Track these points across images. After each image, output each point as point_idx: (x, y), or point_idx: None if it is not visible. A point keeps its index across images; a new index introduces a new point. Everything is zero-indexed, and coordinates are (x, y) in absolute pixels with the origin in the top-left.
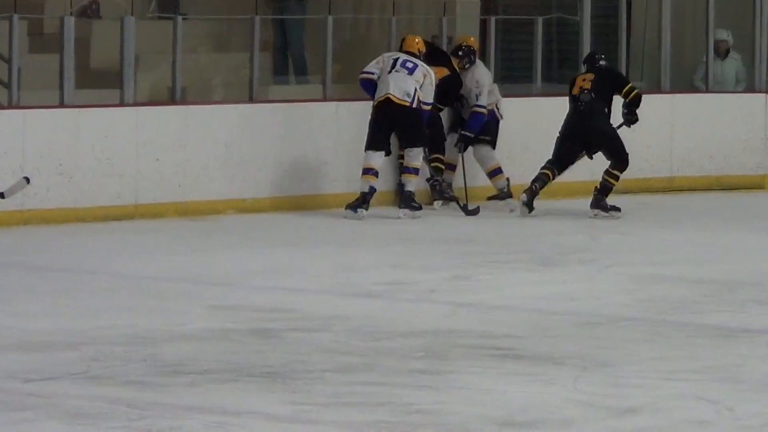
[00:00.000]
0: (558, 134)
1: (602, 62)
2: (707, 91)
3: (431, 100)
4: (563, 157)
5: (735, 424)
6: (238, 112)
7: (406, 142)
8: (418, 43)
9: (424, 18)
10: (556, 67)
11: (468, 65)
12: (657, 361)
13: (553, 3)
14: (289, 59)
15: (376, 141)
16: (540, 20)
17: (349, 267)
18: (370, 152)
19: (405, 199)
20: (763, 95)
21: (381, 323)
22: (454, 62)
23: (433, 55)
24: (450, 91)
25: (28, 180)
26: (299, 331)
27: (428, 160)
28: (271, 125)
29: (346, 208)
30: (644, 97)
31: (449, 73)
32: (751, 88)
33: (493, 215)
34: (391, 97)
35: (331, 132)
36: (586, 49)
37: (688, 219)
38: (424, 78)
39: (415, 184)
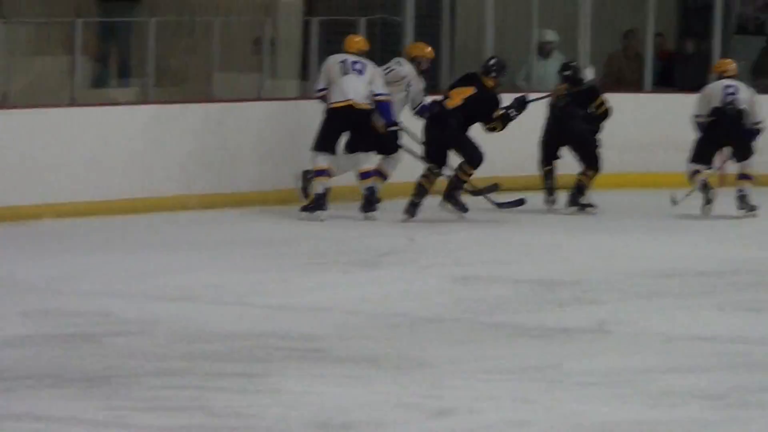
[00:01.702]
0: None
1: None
2: (530, 90)
3: (385, 90)
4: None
5: (552, 424)
6: (58, 116)
7: (367, 146)
8: (358, 42)
9: (246, 20)
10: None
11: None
12: (475, 361)
13: (376, 3)
14: (111, 62)
15: (327, 143)
16: (363, 21)
17: (167, 270)
18: (319, 154)
19: (367, 203)
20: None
21: (199, 327)
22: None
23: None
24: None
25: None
26: (117, 336)
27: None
28: (90, 128)
29: (301, 210)
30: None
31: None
32: None
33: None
34: (353, 103)
35: (153, 135)
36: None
37: (507, 219)
38: (373, 74)
39: (378, 186)
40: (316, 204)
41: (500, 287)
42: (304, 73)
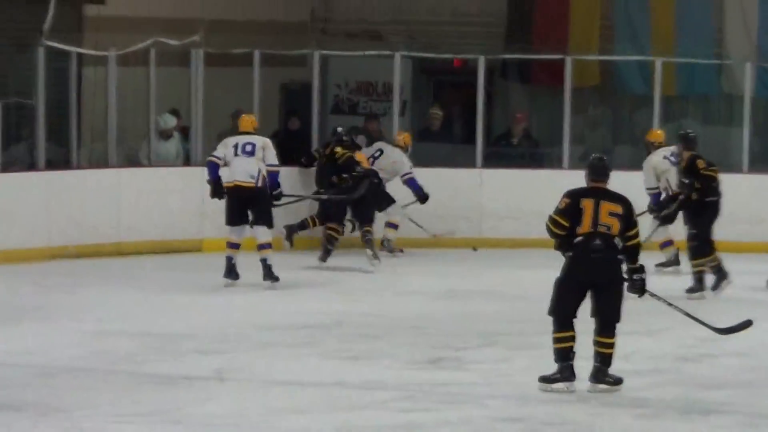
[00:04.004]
0: None
1: None
2: (150, 165)
3: (275, 161)
4: None
5: None
6: None
7: (256, 220)
8: (251, 121)
9: None
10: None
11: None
12: (108, 405)
13: (11, 88)
14: None
15: (233, 218)
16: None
17: None
18: (229, 228)
19: (267, 272)
20: (199, 168)
21: None
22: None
23: None
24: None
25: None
26: None
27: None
28: None
29: (224, 277)
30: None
31: None
32: (188, 163)
33: None
34: (238, 183)
35: None
36: (40, 133)
37: (133, 279)
38: (263, 150)
39: (270, 256)
40: (229, 270)
41: (128, 340)
42: None
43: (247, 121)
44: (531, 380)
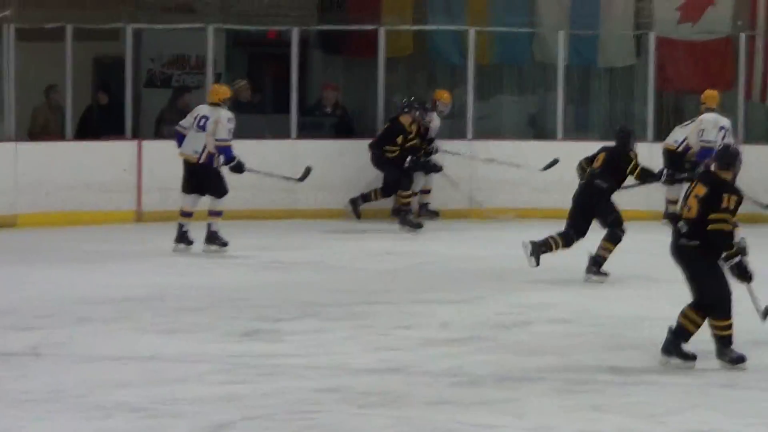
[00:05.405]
0: None
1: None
2: None
3: (224, 136)
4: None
5: None
6: None
7: (204, 191)
8: (221, 92)
9: None
10: None
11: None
12: None
13: None
14: None
15: (184, 187)
16: None
17: None
18: (183, 195)
19: (209, 238)
20: (12, 144)
21: None
22: None
23: None
24: None
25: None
26: None
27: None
28: None
29: (174, 242)
30: None
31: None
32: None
33: None
34: (184, 155)
35: None
36: None
37: None
38: (216, 124)
39: (218, 225)
40: (180, 237)
41: None
42: None
43: (213, 91)
44: (349, 351)
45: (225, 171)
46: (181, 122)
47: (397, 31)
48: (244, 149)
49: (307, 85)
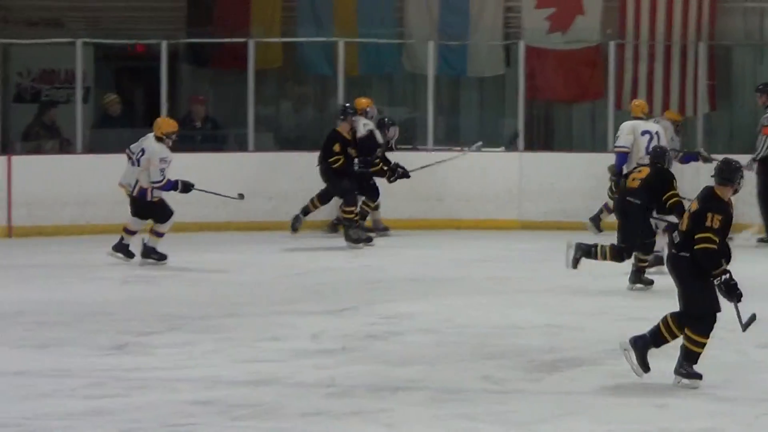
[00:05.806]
0: None
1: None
2: None
3: (156, 178)
4: None
5: None
6: None
7: (147, 218)
8: (164, 125)
9: None
10: None
11: None
12: None
13: None
14: None
15: (131, 209)
16: None
17: None
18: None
19: (145, 252)
20: None
21: None
22: None
23: None
24: None
25: None
26: None
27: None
28: None
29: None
30: None
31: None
32: None
33: None
34: (121, 186)
35: None
36: None
37: None
38: (148, 163)
39: (151, 240)
40: (120, 249)
41: None
42: None
43: (156, 125)
44: (218, 363)
45: (168, 194)
46: (131, 146)
47: (267, 43)
48: (114, 165)
49: (177, 99)
